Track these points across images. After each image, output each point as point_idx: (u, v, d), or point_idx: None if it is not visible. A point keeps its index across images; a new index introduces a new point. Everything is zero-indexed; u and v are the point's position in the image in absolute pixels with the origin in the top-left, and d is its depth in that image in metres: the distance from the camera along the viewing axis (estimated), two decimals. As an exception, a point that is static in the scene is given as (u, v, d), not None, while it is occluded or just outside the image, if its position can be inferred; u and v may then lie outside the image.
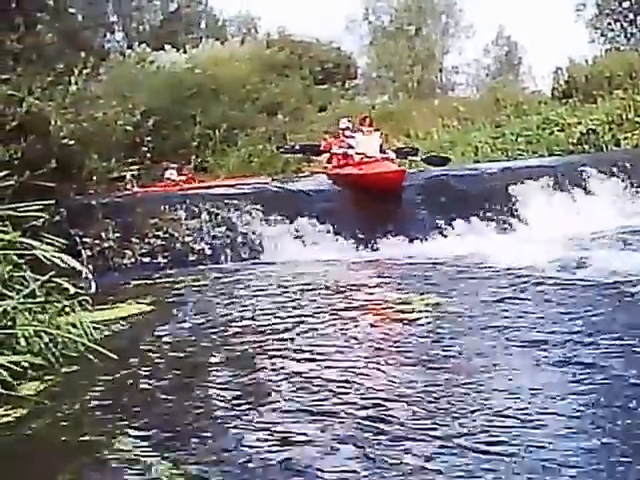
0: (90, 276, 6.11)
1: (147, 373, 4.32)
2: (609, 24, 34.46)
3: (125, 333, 5.46)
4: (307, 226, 10.66)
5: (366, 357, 4.32)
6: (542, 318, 4.94)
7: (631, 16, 33.86)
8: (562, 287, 5.92)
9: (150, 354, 4.77)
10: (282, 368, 4.17)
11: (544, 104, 20.94)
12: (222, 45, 36.84)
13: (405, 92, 38.04)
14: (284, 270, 8.66)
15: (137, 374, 4.30)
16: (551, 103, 20.73)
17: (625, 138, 16.29)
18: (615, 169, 12.31)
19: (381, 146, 12.78)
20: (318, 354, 4.42)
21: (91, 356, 4.43)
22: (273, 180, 15.31)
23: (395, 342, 4.64)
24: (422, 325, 4.99)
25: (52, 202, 6.57)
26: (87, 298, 5.33)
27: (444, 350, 4.30)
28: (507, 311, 5.22)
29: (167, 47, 34.84)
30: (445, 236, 10.61)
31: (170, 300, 6.97)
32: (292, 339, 4.87)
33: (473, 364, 4.00)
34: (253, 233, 10.54)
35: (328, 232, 10.62)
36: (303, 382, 3.87)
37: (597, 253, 7.62)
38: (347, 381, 3.83)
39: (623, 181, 12.03)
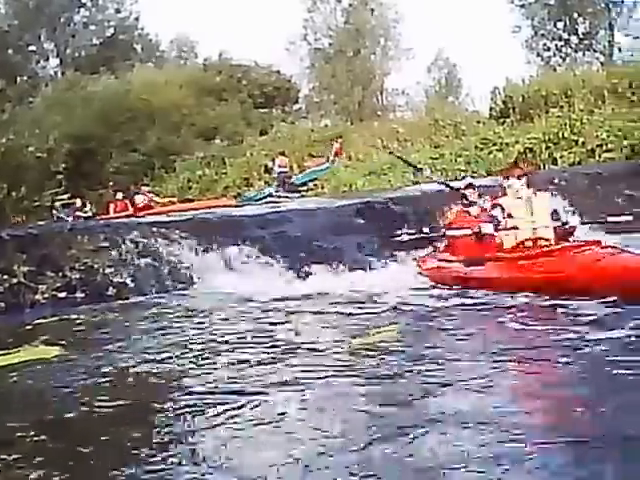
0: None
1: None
2: (544, 44, 34.84)
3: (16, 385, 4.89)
4: (238, 255, 10.21)
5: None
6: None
7: (565, 36, 34.28)
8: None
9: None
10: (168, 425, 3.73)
11: (482, 124, 20.83)
12: (159, 69, 36.35)
13: (346, 114, 37.85)
14: (209, 303, 8.19)
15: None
16: (489, 123, 20.63)
17: (562, 156, 16.22)
18: (552, 186, 12.13)
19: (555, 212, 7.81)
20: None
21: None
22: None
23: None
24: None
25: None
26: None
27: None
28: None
29: (102, 72, 34.21)
30: (385, 263, 10.19)
31: (79, 341, 6.44)
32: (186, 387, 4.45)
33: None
34: (181, 263, 10.08)
35: (261, 261, 10.16)
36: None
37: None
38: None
39: (558, 198, 11.84)
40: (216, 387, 4.38)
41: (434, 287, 7.93)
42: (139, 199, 20.13)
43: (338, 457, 3.06)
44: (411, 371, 4.31)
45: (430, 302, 6.85)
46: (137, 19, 45.12)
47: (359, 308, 6.90)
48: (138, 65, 37.20)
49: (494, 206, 7.81)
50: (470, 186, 9.31)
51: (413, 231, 9.38)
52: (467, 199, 9.11)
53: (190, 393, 4.29)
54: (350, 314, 6.56)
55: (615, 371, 3.92)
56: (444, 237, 8.83)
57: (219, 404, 3.98)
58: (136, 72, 34.90)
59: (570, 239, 7.38)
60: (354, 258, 10.17)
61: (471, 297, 6.89)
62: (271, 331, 6.05)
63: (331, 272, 9.72)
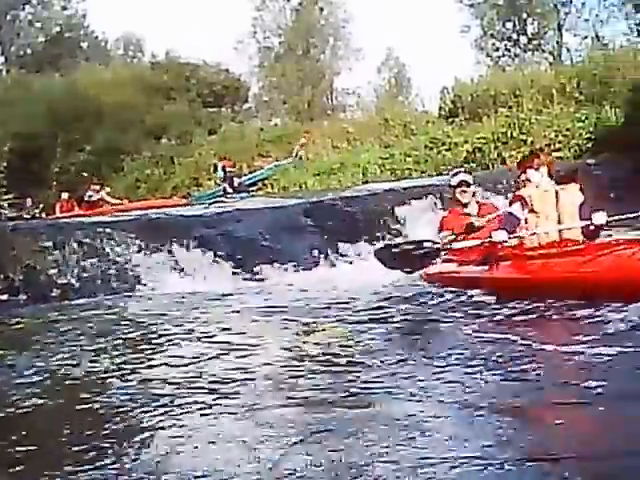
0: None
1: None
2: (494, 44, 35.15)
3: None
4: (186, 255, 10.10)
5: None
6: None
7: (514, 36, 34.63)
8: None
9: None
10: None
11: (432, 124, 20.92)
12: (105, 68, 35.89)
13: (296, 114, 37.81)
14: (156, 304, 8.06)
15: None
16: (438, 122, 20.71)
17: (510, 156, 16.31)
18: (500, 186, 12.24)
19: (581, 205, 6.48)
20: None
21: None
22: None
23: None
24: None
25: None
26: None
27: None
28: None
29: (48, 70, 33.70)
30: (333, 262, 10.19)
31: (17, 343, 6.26)
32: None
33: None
34: (128, 264, 9.93)
35: (210, 261, 10.06)
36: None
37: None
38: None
39: (507, 198, 11.91)
40: (146, 388, 4.29)
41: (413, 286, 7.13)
42: (92, 197, 20.17)
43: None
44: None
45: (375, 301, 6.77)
46: (84, 16, 44.62)
47: (307, 305, 6.86)
48: (84, 63, 36.72)
49: (513, 200, 6.59)
50: (463, 184, 7.90)
51: (402, 241, 8.44)
52: (462, 200, 7.83)
53: (122, 394, 4.19)
54: (297, 311, 6.51)
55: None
56: (445, 250, 7.29)
57: (148, 406, 3.91)
58: (82, 70, 34.46)
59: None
60: (302, 257, 10.14)
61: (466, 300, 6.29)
62: (215, 330, 5.97)
63: (279, 271, 9.72)
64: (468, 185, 7.86)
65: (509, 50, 34.70)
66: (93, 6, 67.94)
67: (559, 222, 6.36)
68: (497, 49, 35.11)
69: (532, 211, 6.40)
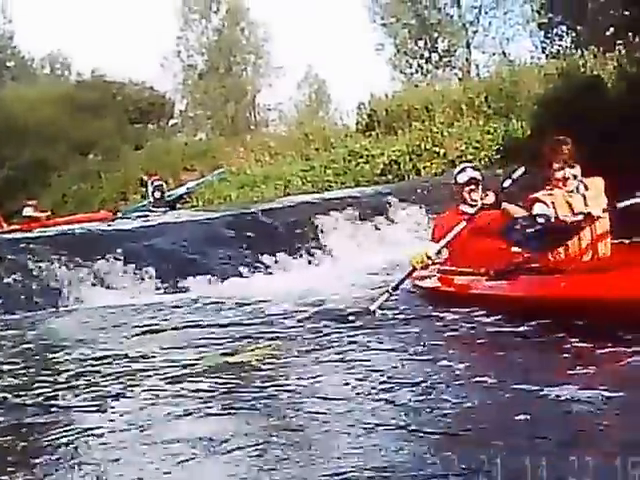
0: None
1: None
2: (407, 62, 35.54)
3: None
4: (110, 269, 9.84)
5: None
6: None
7: (426, 54, 35.07)
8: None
9: None
10: None
11: (350, 137, 20.97)
12: (32, 86, 35.13)
13: (220, 129, 37.74)
14: (77, 319, 7.80)
15: None
16: (356, 136, 20.77)
17: (425, 167, 16.50)
18: (415, 197, 12.31)
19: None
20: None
21: None
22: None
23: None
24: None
25: None
26: None
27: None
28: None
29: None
30: (254, 273, 10.05)
31: None
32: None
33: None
34: (51, 279, 9.60)
35: (133, 275, 9.82)
36: None
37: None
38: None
39: (422, 208, 12.02)
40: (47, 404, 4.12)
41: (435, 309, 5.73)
42: (29, 213, 19.93)
43: None
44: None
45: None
46: (11, 38, 43.67)
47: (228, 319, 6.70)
48: (10, 82, 35.92)
49: (532, 203, 5.17)
50: (472, 182, 6.42)
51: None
52: (471, 199, 6.36)
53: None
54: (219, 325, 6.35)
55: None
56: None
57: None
58: (8, 89, 33.69)
59: None
60: (224, 269, 9.98)
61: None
62: (133, 345, 5.76)
63: (202, 283, 9.55)
64: (478, 183, 6.41)
65: (421, 67, 35.09)
66: (19, 25, 66.33)
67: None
68: (410, 66, 35.48)
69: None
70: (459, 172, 6.57)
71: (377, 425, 3.12)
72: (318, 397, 3.70)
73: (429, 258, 6.08)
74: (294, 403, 3.67)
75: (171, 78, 41.28)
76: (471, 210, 6.22)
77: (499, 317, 4.85)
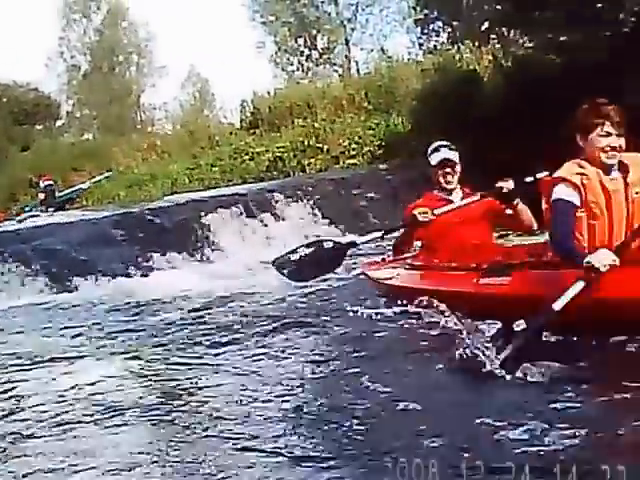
0: None
1: None
2: (288, 59, 35.57)
3: None
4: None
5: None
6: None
7: (306, 52, 35.19)
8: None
9: None
10: None
11: (234, 135, 20.85)
12: None
13: (107, 129, 36.99)
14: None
15: None
16: (240, 134, 20.67)
17: (309, 163, 16.56)
18: (300, 192, 12.37)
19: None
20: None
21: None
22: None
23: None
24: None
25: None
26: None
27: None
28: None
29: None
30: (144, 272, 9.88)
31: None
32: None
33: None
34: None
35: (22, 275, 9.54)
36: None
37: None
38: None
39: (306, 204, 12.10)
40: None
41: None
42: None
43: None
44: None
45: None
46: None
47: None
48: None
49: (554, 184, 3.99)
50: (448, 163, 5.53)
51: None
52: (446, 182, 5.54)
53: None
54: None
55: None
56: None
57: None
58: None
59: None
60: (114, 268, 9.78)
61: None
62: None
63: (91, 282, 9.37)
64: (454, 165, 5.53)
65: (302, 64, 35.18)
66: None
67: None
68: (291, 64, 35.50)
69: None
70: (432, 152, 5.57)
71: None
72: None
73: (434, 215, 5.30)
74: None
75: (55, 79, 40.40)
76: (448, 196, 5.52)
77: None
